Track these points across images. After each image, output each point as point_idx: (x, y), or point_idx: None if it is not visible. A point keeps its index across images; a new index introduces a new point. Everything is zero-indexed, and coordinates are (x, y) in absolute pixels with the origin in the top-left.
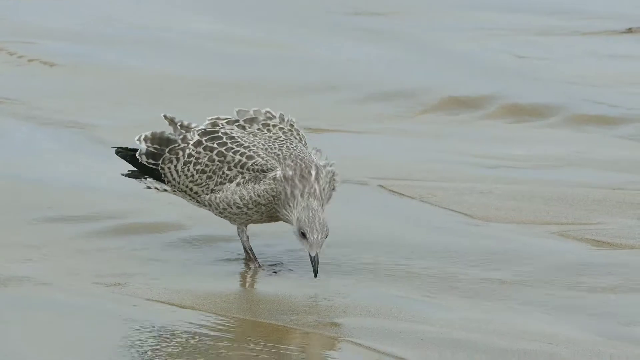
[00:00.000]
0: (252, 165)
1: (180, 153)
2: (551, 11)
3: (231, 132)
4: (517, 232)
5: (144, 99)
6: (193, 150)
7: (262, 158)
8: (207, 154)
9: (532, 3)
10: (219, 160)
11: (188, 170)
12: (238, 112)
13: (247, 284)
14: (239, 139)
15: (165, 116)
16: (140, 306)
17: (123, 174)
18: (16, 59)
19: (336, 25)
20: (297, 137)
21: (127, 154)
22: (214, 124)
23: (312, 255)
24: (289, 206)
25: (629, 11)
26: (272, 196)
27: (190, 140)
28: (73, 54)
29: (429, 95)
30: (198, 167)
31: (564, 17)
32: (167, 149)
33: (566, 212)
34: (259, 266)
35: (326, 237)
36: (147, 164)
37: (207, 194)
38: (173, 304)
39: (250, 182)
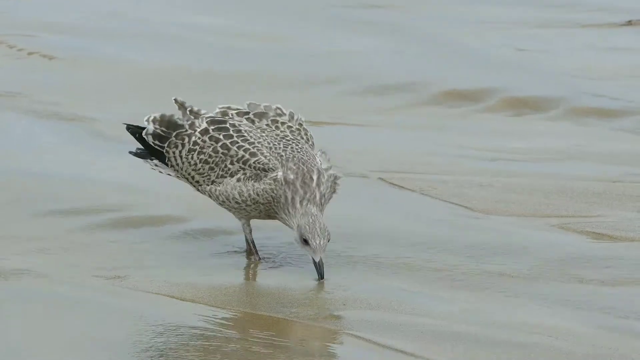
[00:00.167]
0: (254, 162)
1: (186, 139)
2: (551, 4)
3: (239, 125)
4: (517, 225)
5: (143, 92)
6: (199, 138)
7: (265, 157)
8: (212, 145)
9: None
10: (222, 153)
11: (192, 158)
12: (249, 105)
13: (248, 277)
14: (245, 134)
15: (175, 100)
16: (140, 299)
17: (130, 152)
18: (16, 52)
19: (336, 18)
20: (305, 138)
21: (137, 131)
22: (224, 113)
23: (317, 260)
24: (288, 212)
25: (628, 4)
26: (272, 197)
27: (197, 127)
28: (73, 48)
29: (430, 88)
30: (202, 156)
31: (564, 9)
32: (174, 133)
33: (566, 205)
34: (259, 259)
35: (328, 241)
36: (153, 144)
37: (207, 185)
38: (173, 297)
39: (250, 179)
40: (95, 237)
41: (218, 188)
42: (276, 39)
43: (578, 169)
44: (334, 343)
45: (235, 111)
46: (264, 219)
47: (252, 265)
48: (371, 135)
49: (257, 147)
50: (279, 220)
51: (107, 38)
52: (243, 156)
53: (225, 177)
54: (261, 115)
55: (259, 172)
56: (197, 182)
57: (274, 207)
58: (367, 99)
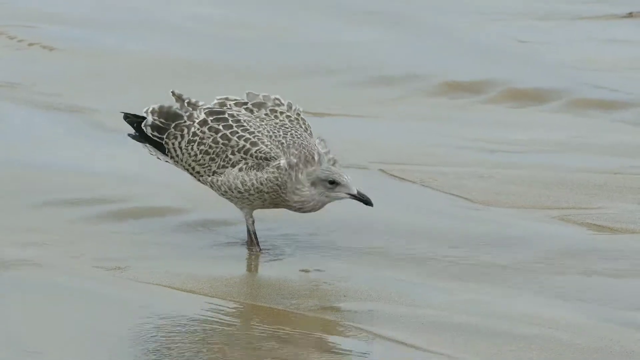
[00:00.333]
0: (255, 152)
1: (185, 130)
2: None
3: (238, 115)
4: (517, 217)
5: (144, 83)
6: (198, 129)
7: (267, 146)
8: (211, 135)
9: None
10: (223, 144)
11: (192, 149)
12: (248, 95)
13: (249, 268)
14: (245, 124)
15: (173, 92)
16: (141, 290)
17: (129, 135)
18: (16, 42)
19: (337, 9)
20: (303, 126)
21: (135, 121)
22: (222, 104)
23: (355, 192)
24: (297, 189)
25: None
26: (277, 185)
27: (196, 118)
28: (73, 39)
29: (431, 80)
30: (202, 147)
31: (564, 1)
32: (173, 124)
33: (567, 197)
34: (260, 250)
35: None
36: (152, 136)
37: (209, 176)
38: (174, 288)
39: (252, 169)
40: (95, 228)
41: (220, 178)
42: (277, 29)
43: (578, 160)
44: (334, 334)
45: (234, 101)
46: (267, 208)
47: (252, 257)
48: (372, 126)
49: (258, 136)
50: (285, 207)
51: (108, 29)
52: (244, 146)
53: (227, 167)
54: (260, 105)
55: (261, 161)
56: (198, 172)
57: (281, 194)
58: (368, 90)
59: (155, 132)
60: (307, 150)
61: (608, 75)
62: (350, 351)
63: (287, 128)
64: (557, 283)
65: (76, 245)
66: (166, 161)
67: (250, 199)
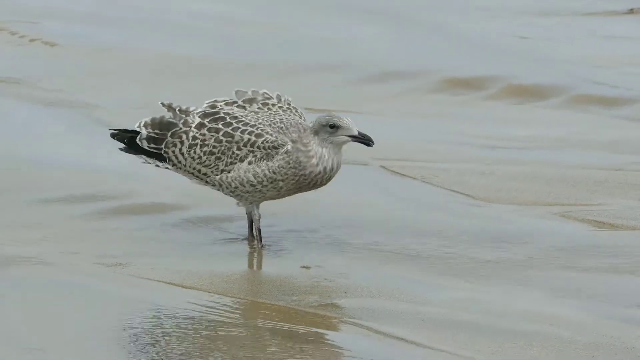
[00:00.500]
0: (262, 143)
1: (184, 136)
2: None
3: (233, 112)
4: (518, 213)
5: (145, 79)
6: (197, 132)
7: (271, 135)
8: (212, 135)
9: None
10: (226, 141)
11: (194, 152)
12: (237, 93)
13: (249, 265)
14: (243, 118)
15: (162, 103)
16: (142, 286)
17: (120, 149)
18: (18, 39)
19: (337, 6)
20: (297, 114)
21: (124, 137)
22: (213, 106)
23: (356, 133)
24: (308, 150)
25: None
26: (293, 168)
27: (192, 123)
28: (75, 35)
29: (432, 76)
30: (205, 148)
31: None
32: (170, 133)
33: (568, 193)
34: (262, 246)
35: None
36: (148, 148)
37: (217, 175)
38: (174, 284)
39: (262, 159)
40: (96, 224)
41: (229, 175)
42: (277, 26)
43: (579, 157)
44: (335, 331)
45: (223, 102)
46: (281, 198)
47: (254, 253)
48: (373, 123)
49: (260, 127)
50: (307, 188)
51: (109, 25)
52: (249, 139)
53: (235, 162)
54: (250, 101)
55: (269, 151)
56: (205, 174)
57: (300, 174)
58: (369, 87)
59: (151, 143)
60: (302, 126)
61: (609, 71)
62: (351, 348)
63: (282, 116)
64: (558, 280)
65: (77, 241)
66: (166, 167)
67: (263, 191)
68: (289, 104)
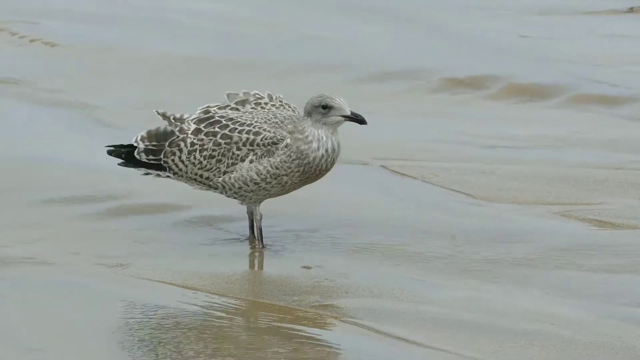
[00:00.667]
0: (261, 140)
1: (182, 144)
2: None
3: (227, 115)
4: (519, 212)
5: (145, 79)
6: (194, 138)
7: (269, 131)
8: (211, 139)
9: None
10: (225, 142)
11: (194, 158)
12: (228, 96)
13: (250, 265)
14: (239, 119)
15: (157, 112)
16: (143, 287)
17: (119, 164)
18: (18, 39)
19: (337, 6)
20: (290, 109)
21: (120, 152)
22: (206, 112)
23: (349, 113)
24: (305, 135)
25: None
26: (296, 160)
27: (187, 130)
28: (75, 35)
29: (432, 75)
30: (205, 153)
31: None
32: (167, 143)
33: (568, 193)
34: (263, 247)
35: None
36: (147, 160)
37: (219, 177)
38: (175, 285)
39: (264, 157)
40: (96, 224)
41: (232, 175)
42: (277, 25)
43: (579, 156)
44: (335, 331)
45: (216, 106)
46: (287, 193)
47: (254, 253)
48: (373, 122)
49: (257, 125)
50: (314, 178)
51: (109, 25)
52: (248, 138)
53: (236, 163)
54: (243, 102)
55: (269, 147)
56: (207, 178)
57: (305, 163)
58: (369, 86)
59: (150, 155)
60: (297, 118)
61: (609, 70)
62: (352, 348)
63: (275, 112)
64: (558, 279)
65: (77, 241)
66: (167, 176)
67: (267, 188)
68: (281, 101)
